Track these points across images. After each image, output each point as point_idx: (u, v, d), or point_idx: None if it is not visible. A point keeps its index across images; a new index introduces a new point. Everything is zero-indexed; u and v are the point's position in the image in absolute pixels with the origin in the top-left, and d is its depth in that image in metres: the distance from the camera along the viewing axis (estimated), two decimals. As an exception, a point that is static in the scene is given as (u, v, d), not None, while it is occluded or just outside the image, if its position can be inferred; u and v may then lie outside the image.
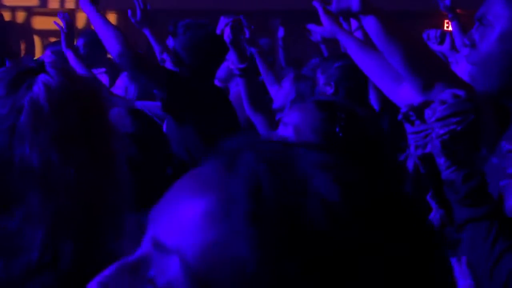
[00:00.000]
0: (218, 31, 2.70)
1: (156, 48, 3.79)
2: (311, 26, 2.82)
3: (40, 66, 1.20)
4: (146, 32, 3.88)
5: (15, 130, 1.14)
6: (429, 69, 1.98)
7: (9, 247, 1.14)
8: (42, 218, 1.13)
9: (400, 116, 1.74)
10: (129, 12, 3.85)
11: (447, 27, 3.92)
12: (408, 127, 1.74)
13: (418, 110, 1.69)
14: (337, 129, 1.73)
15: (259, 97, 2.67)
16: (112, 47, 2.93)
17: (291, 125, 1.79)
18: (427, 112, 1.62)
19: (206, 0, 9.24)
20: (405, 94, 2.18)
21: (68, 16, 3.82)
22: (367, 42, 2.41)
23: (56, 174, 1.12)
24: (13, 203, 1.15)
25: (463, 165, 1.57)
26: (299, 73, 3.35)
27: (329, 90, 2.95)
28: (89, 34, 4.97)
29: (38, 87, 1.16)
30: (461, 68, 2.13)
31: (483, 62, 1.66)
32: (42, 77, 1.18)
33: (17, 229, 1.14)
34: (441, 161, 1.59)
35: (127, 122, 1.84)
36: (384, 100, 2.59)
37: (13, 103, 1.15)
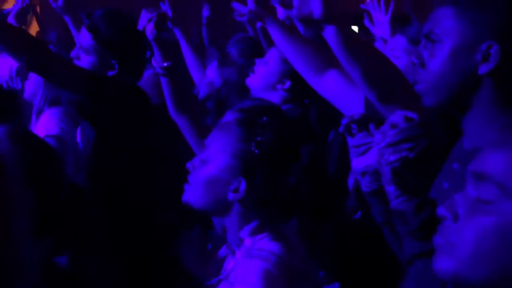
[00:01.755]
0: (140, 27, 2.50)
1: (77, 38, 3.55)
2: (237, 5, 2.81)
3: None
4: (67, 19, 3.68)
5: None
6: (386, 84, 1.95)
7: None
8: None
9: (341, 128, 1.71)
10: None
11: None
12: (349, 140, 1.69)
13: (359, 122, 1.66)
14: (252, 147, 1.66)
15: (184, 98, 2.50)
16: (19, 56, 2.67)
17: (211, 148, 1.74)
18: (377, 137, 1.54)
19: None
20: (328, 86, 2.26)
21: None
22: (292, 29, 2.41)
23: None
24: None
25: (414, 194, 1.53)
26: (224, 58, 3.16)
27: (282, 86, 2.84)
28: None
29: None
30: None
31: (433, 81, 1.60)
32: None
33: None
34: (390, 189, 1.55)
35: (5, 146, 1.74)
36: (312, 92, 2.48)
37: None
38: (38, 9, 6.06)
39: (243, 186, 1.64)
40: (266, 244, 1.65)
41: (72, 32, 3.70)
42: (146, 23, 2.49)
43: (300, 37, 2.36)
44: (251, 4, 2.66)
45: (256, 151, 1.64)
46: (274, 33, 2.36)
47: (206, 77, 3.20)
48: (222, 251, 1.78)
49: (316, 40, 2.51)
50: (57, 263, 1.80)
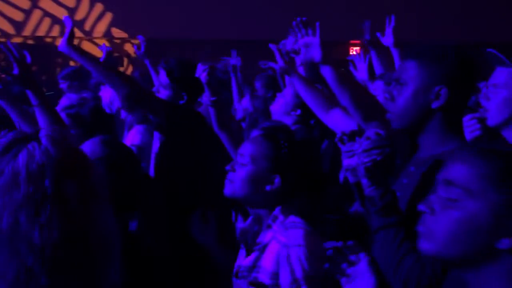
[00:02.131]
0: (196, 75, 3.32)
1: (154, 77, 4.63)
2: (269, 63, 3.58)
3: (34, 135, 1.26)
4: (147, 62, 4.87)
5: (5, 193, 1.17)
6: (367, 107, 2.59)
7: None
8: (6, 275, 1.16)
9: (336, 139, 2.21)
10: (135, 46, 4.97)
11: (354, 54, 4.73)
12: (341, 147, 2.19)
13: (349, 135, 2.16)
14: (282, 153, 2.24)
15: (224, 121, 3.35)
16: (120, 90, 3.39)
17: (247, 155, 2.28)
18: (356, 145, 2.08)
19: (200, 31, 10.48)
20: (332, 119, 3.00)
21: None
22: (308, 81, 3.16)
23: (22, 234, 1.15)
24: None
25: (380, 185, 1.98)
26: (253, 92, 4.08)
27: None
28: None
29: (22, 155, 1.21)
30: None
31: (399, 112, 2.11)
32: (30, 145, 1.22)
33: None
34: (364, 181, 2.01)
35: (98, 149, 2.20)
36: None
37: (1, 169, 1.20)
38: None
39: (277, 180, 2.22)
40: (295, 219, 2.19)
41: (150, 72, 4.80)
42: (201, 72, 3.29)
43: (314, 86, 3.12)
44: (280, 61, 3.26)
45: (285, 156, 2.20)
46: (296, 82, 3.11)
47: (241, 105, 4.09)
48: (247, 224, 2.34)
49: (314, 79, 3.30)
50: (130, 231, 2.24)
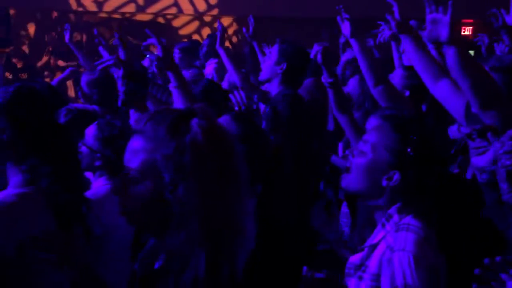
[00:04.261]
0: (311, 56, 3.37)
1: (261, 58, 4.78)
2: (381, 28, 3.84)
3: (192, 112, 1.42)
4: (254, 44, 5.10)
5: (180, 168, 1.33)
6: (488, 95, 2.42)
7: (177, 265, 1.36)
8: (201, 241, 1.32)
9: (465, 135, 2.12)
10: (243, 29, 5.15)
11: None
12: (470, 143, 2.08)
13: (479, 131, 2.06)
14: (408, 150, 2.03)
15: (343, 102, 3.32)
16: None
17: (369, 143, 2.09)
18: (496, 145, 1.91)
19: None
20: (440, 91, 2.88)
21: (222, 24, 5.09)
22: (422, 45, 3.04)
23: (211, 203, 1.33)
24: (175, 227, 1.36)
25: None
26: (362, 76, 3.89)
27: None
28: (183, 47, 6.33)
29: (195, 130, 1.37)
30: None
31: None
32: (195, 121, 1.39)
33: (179, 249, 1.36)
34: (504, 186, 1.89)
35: (233, 127, 2.26)
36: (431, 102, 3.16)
37: (176, 145, 1.36)
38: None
39: (396, 176, 2.02)
40: (411, 221, 2.01)
41: (257, 53, 4.90)
42: (316, 52, 3.30)
43: (427, 50, 3.00)
44: (392, 23, 3.19)
45: (411, 153, 2.01)
46: (408, 44, 3.02)
47: (347, 86, 4.05)
48: (359, 220, 2.20)
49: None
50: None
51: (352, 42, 3.37)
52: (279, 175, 2.92)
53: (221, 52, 4.82)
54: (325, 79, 3.31)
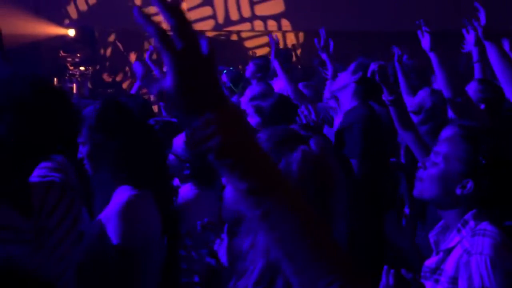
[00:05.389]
0: (368, 74, 3.51)
1: (330, 68, 4.92)
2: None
3: (306, 137, 1.50)
4: (324, 56, 5.14)
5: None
6: None
7: (240, 268, 1.39)
8: (265, 250, 1.32)
9: None
10: (315, 40, 5.11)
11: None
12: None
13: None
14: (480, 158, 2.09)
15: (406, 119, 3.28)
16: None
17: (441, 154, 2.17)
18: None
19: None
20: None
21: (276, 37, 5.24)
22: (503, 51, 3.17)
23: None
24: (246, 230, 1.41)
25: None
26: (433, 89, 3.97)
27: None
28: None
29: (297, 153, 1.44)
30: None
31: None
32: (304, 146, 1.46)
33: (245, 252, 1.38)
34: None
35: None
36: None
37: (286, 161, 1.43)
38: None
39: (470, 184, 2.08)
40: (487, 226, 2.07)
41: (327, 65, 4.99)
42: (372, 72, 3.36)
43: (508, 56, 3.13)
44: (479, 29, 3.34)
45: (483, 161, 2.06)
46: (490, 50, 3.16)
47: (416, 97, 4.12)
48: (437, 228, 2.25)
49: None
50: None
51: (431, 55, 3.43)
52: (350, 181, 3.01)
53: (276, 64, 4.95)
54: (385, 97, 3.28)
